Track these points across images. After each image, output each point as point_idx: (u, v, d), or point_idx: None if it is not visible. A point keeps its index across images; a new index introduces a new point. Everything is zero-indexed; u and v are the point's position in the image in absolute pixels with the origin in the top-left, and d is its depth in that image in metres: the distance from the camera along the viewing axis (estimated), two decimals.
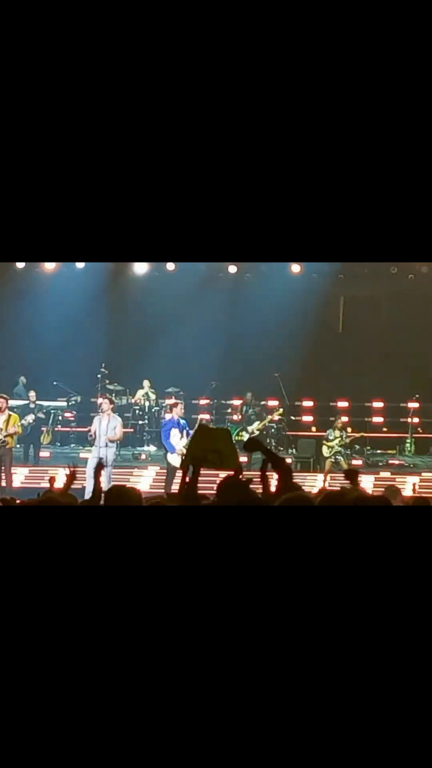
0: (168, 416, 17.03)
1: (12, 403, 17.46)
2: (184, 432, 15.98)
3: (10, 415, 16.28)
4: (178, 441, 15.96)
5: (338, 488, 8.40)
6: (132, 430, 19.55)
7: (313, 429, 20.00)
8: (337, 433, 18.01)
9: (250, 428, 19.28)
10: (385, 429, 20.14)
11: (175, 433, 16.06)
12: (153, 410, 19.96)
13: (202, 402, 20.20)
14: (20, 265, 20.49)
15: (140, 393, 20.12)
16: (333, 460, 17.90)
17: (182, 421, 16.27)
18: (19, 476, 17.39)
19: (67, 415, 20.00)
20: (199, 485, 5.91)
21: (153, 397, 20.17)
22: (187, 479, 5.90)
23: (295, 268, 20.36)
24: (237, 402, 20.44)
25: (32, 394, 18.91)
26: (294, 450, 19.58)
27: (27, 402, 18.77)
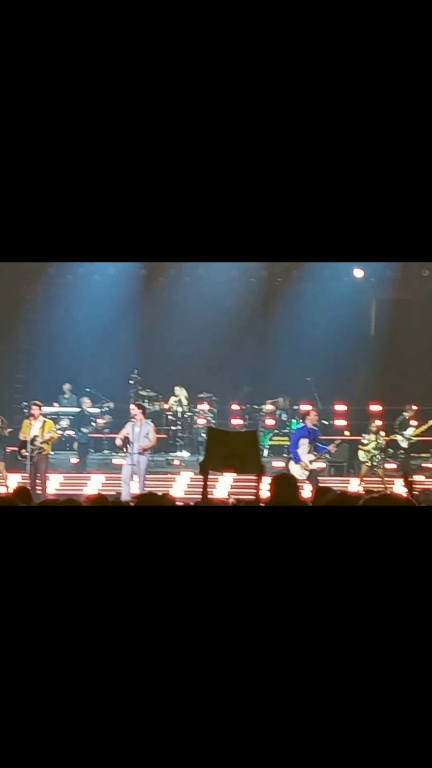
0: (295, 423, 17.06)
1: (46, 410, 17.55)
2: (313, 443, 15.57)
3: (45, 422, 16.35)
4: (306, 453, 15.41)
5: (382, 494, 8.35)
6: (165, 435, 19.58)
7: (346, 433, 19.93)
8: (373, 437, 17.92)
9: (405, 434, 18.78)
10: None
11: (303, 442, 15.54)
12: (186, 416, 19.97)
13: (234, 407, 20.18)
14: (52, 270, 20.61)
15: (173, 399, 20.14)
16: (370, 464, 17.81)
17: (314, 428, 15.90)
18: (54, 483, 17.50)
19: (99, 421, 20.05)
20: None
21: (186, 402, 20.17)
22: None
23: (326, 272, 20.36)
24: (270, 407, 20.39)
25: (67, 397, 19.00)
26: (327, 454, 19.53)
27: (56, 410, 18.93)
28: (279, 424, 20.05)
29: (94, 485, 17.68)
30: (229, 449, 5.99)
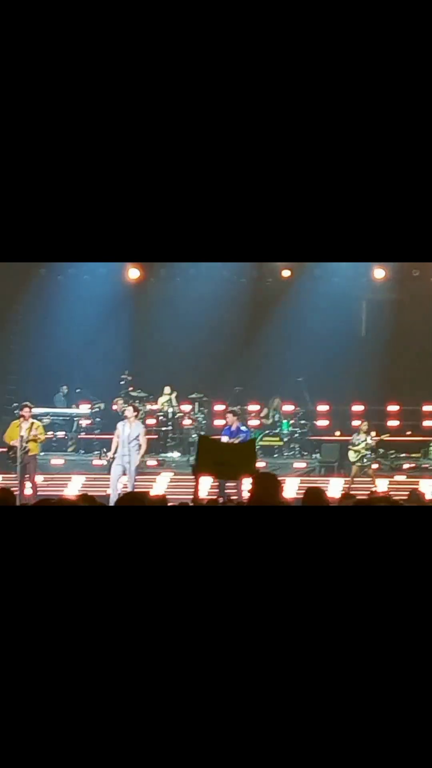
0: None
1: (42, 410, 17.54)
2: (238, 439, 16.10)
3: (32, 423, 16.37)
4: None
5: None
6: (156, 436, 19.59)
7: (337, 433, 19.97)
8: (363, 436, 17.92)
9: None
10: (408, 432, 20.05)
11: (224, 440, 16.01)
12: (176, 416, 19.96)
13: (222, 407, 20.19)
14: (43, 271, 20.59)
15: (162, 399, 20.14)
16: (360, 464, 17.80)
17: (236, 429, 16.30)
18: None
19: (86, 422, 20.05)
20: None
21: (175, 403, 20.16)
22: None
23: (317, 273, 20.41)
24: (258, 407, 20.44)
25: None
26: (318, 454, 19.57)
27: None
28: (271, 425, 20.09)
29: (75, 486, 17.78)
30: (220, 457, 6.11)
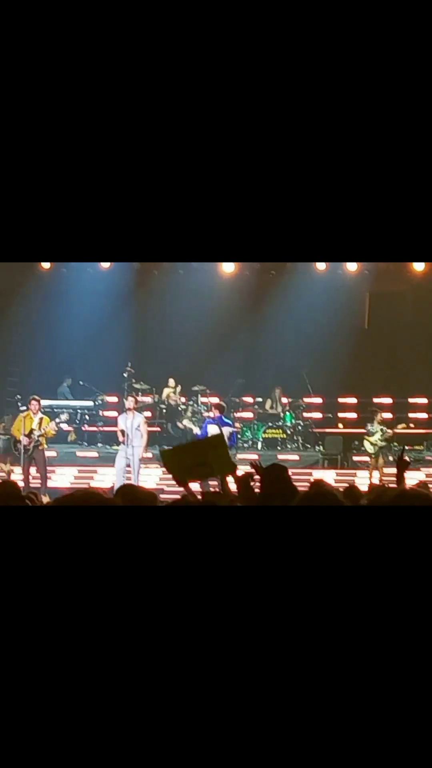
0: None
1: (46, 402, 17.58)
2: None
3: (42, 417, 16.40)
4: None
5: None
6: (159, 428, 19.60)
7: (340, 426, 19.98)
8: (377, 426, 17.78)
9: None
10: (412, 425, 20.06)
11: (212, 428, 16.20)
12: (179, 408, 19.96)
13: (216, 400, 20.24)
14: (46, 265, 20.59)
15: (167, 391, 20.13)
16: (377, 456, 17.57)
17: (219, 417, 16.45)
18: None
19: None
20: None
21: (179, 396, 20.17)
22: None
23: (320, 265, 20.39)
24: (259, 399, 20.49)
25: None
26: (321, 447, 19.58)
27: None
28: (274, 417, 20.10)
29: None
30: (193, 460, 5.84)
